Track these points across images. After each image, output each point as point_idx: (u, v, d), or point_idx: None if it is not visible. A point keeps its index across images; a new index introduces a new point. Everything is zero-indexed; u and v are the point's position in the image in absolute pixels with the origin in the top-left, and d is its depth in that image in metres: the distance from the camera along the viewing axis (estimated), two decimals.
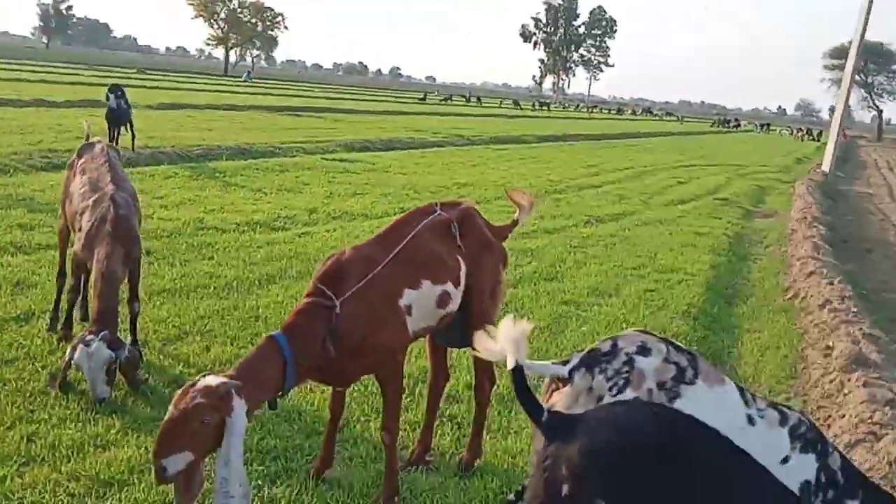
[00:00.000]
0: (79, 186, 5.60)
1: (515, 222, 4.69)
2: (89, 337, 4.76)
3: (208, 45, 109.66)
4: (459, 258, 4.14)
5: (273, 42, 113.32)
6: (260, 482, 4.06)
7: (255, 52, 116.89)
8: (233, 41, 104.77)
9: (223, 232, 9.92)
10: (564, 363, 3.09)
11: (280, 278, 7.98)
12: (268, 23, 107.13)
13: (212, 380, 3.30)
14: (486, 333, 2.67)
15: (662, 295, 8.71)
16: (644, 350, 3.03)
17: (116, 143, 15.97)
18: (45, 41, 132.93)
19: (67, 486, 3.88)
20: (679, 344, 3.14)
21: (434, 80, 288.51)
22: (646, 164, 25.98)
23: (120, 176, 5.68)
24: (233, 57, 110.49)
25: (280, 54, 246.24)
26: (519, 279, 8.87)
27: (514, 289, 8.41)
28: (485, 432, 4.64)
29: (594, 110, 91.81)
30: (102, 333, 4.79)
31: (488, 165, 21.49)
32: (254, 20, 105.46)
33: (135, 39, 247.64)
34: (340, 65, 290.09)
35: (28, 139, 16.34)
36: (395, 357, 3.91)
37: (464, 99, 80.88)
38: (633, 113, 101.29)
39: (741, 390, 3.08)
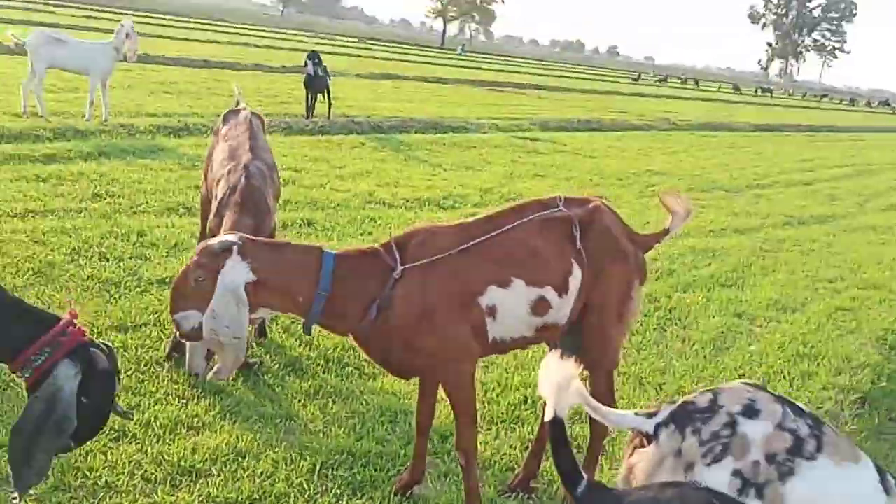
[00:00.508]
0: (219, 154, 5.50)
1: (666, 231, 4.02)
2: None
3: (428, 17, 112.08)
4: (574, 262, 3.55)
5: (490, 16, 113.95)
6: (339, 490, 3.77)
7: (474, 26, 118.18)
8: (451, 13, 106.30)
9: (390, 206, 9.80)
10: (650, 416, 2.52)
11: None
12: None
13: (215, 239, 3.24)
14: (547, 366, 2.17)
15: (857, 315, 7.64)
16: (752, 411, 2.40)
17: (313, 110, 16.41)
18: (281, 9, 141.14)
19: (146, 471, 3.74)
20: (801, 406, 2.48)
21: (653, 60, 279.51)
22: (870, 162, 23.60)
23: (260, 146, 5.53)
24: (453, 30, 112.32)
25: (499, 29, 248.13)
26: (691, 283, 8.09)
27: (682, 293, 7.67)
28: (601, 462, 4.09)
29: (823, 99, 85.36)
30: None
31: (689, 153, 20.26)
32: None
33: (361, 10, 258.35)
34: (558, 41, 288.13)
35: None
36: (461, 366, 3.40)
37: (679, 81, 77.66)
38: (868, 104, 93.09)
39: (881, 473, 2.39)
